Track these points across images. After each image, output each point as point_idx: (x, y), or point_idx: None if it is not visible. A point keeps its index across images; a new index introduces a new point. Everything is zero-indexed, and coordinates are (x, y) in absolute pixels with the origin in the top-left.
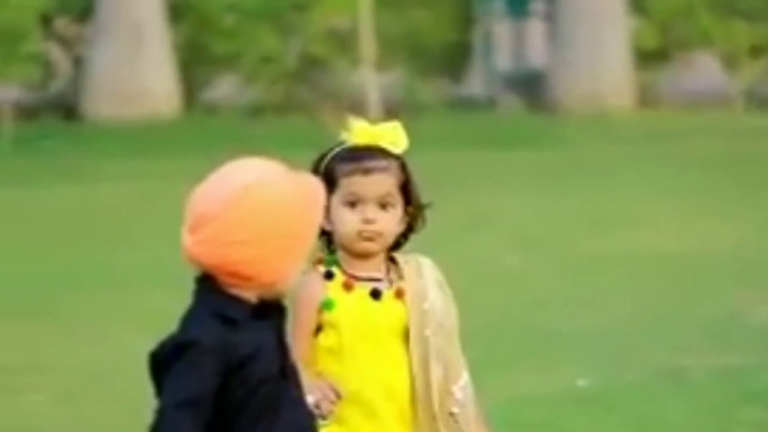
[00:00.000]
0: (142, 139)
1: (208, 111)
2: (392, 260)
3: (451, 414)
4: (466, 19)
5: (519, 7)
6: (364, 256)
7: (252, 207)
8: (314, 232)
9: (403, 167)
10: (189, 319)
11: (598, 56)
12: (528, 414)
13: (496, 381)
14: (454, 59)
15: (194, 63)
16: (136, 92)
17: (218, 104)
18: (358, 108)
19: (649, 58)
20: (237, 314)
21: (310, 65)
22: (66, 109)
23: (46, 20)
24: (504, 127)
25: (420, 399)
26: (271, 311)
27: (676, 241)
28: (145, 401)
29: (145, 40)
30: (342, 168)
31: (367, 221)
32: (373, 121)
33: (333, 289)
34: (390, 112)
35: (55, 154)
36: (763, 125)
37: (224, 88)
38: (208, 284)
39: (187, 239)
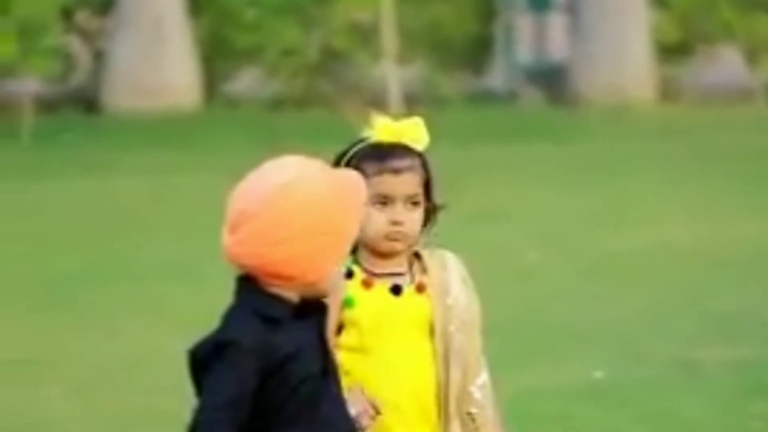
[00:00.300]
0: (163, 132)
1: (229, 104)
2: (416, 255)
3: (469, 413)
4: (487, 12)
5: (540, 0)
6: (388, 255)
7: (290, 206)
8: (355, 229)
9: (425, 164)
10: (229, 319)
11: (620, 50)
12: (543, 407)
13: (512, 374)
14: (476, 52)
15: (215, 56)
16: (156, 85)
17: (239, 97)
18: (379, 101)
19: (670, 51)
20: (279, 313)
21: (332, 58)
22: (86, 103)
23: (66, 13)
24: (525, 121)
25: (438, 397)
26: (312, 310)
27: (694, 235)
28: (161, 395)
29: (165, 33)
30: (369, 167)
31: (396, 223)
32: (395, 115)
33: (353, 287)
34: (411, 106)
35: (76, 147)
36: None
37: (245, 81)
38: (249, 284)
39: (227, 239)
